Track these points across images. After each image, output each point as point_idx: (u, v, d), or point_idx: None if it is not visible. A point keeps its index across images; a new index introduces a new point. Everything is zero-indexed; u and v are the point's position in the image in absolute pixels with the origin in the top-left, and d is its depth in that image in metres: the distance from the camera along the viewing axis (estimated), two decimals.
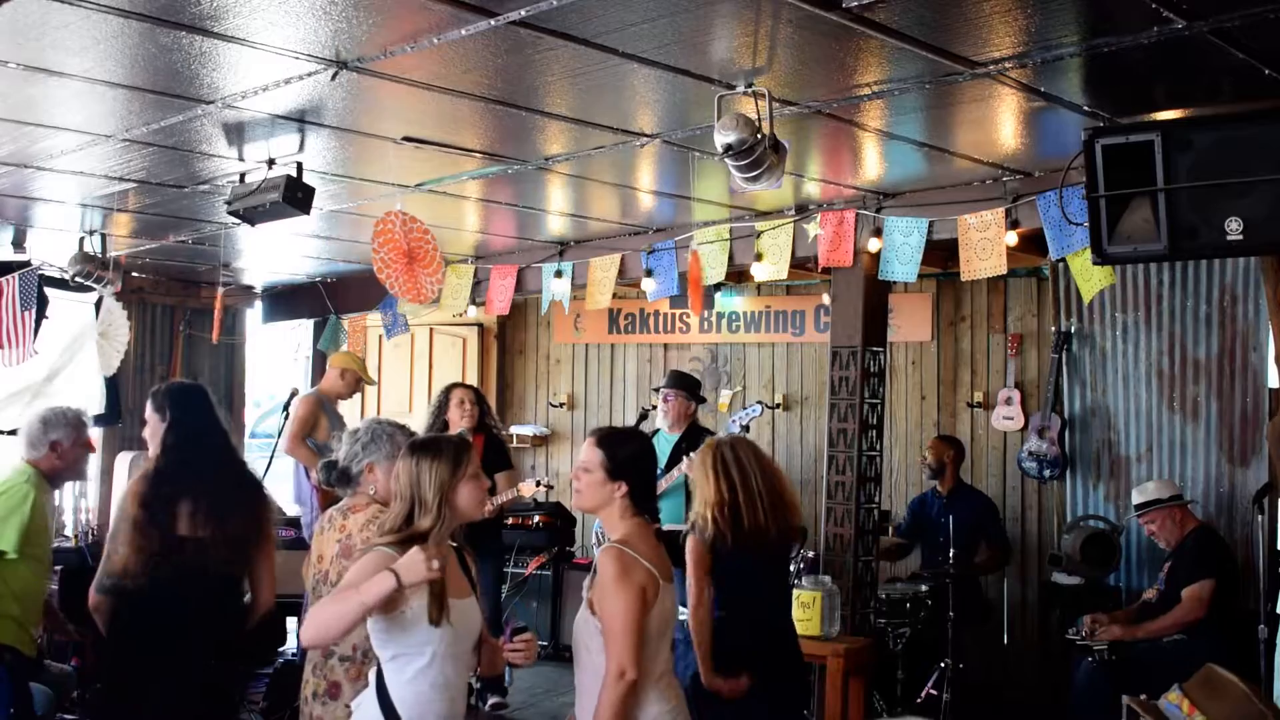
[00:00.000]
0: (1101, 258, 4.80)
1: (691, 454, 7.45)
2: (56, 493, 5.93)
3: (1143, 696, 3.50)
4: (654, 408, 7.89)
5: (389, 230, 5.91)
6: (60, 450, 5.49)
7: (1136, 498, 6.90)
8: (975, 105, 4.96)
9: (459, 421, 7.58)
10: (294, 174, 5.72)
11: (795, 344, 9.97)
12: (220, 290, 8.49)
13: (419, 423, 9.66)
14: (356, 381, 8.98)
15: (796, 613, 6.29)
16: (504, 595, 8.84)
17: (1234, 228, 4.35)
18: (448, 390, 7.82)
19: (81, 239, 7.97)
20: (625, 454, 3.90)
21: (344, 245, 8.68)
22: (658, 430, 7.99)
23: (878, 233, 6.77)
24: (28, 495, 5.31)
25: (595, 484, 3.88)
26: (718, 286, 9.36)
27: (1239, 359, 7.62)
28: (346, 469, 4.67)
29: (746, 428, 7.76)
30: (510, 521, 7.22)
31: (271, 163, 5.82)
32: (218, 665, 4.82)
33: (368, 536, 4.42)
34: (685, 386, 7.90)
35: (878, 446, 7.18)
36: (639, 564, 3.74)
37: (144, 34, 4.06)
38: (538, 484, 6.93)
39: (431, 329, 11.58)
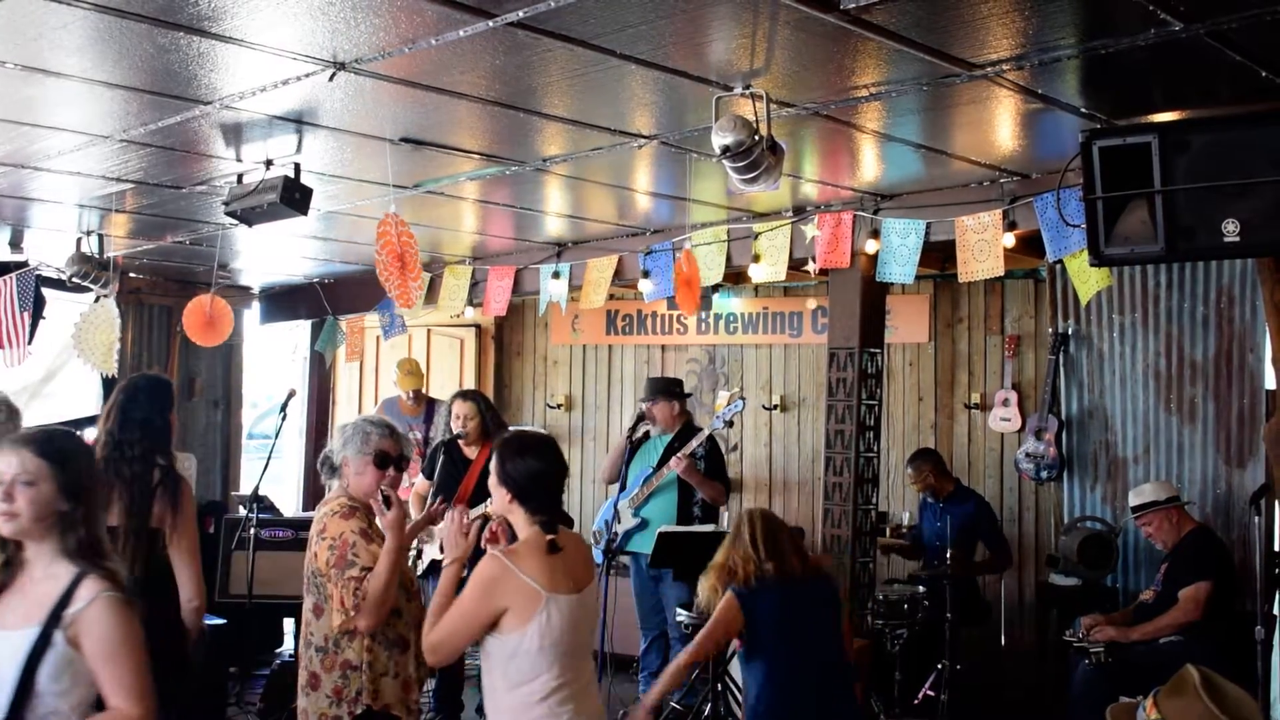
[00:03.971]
0: (1098, 259, 4.80)
1: (680, 452, 7.47)
2: None
3: (1123, 699, 3.51)
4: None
5: (387, 233, 5.91)
6: None
7: (1134, 499, 6.91)
8: (973, 107, 4.96)
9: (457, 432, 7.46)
10: (292, 175, 5.71)
11: (793, 345, 9.98)
12: (211, 292, 8.48)
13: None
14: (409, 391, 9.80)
15: None
16: None
17: (1231, 229, 4.35)
18: (450, 400, 7.75)
19: (79, 239, 7.97)
20: (512, 465, 3.95)
21: (341, 246, 8.68)
22: (661, 432, 7.97)
23: (875, 234, 6.78)
24: None
25: (494, 487, 4.01)
26: (715, 288, 9.37)
27: (1236, 360, 7.62)
28: (333, 462, 4.69)
29: (730, 423, 7.77)
30: None
31: (269, 163, 5.82)
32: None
33: (322, 528, 4.44)
34: (663, 391, 7.87)
35: (875, 448, 7.19)
36: (512, 578, 3.77)
37: (142, 34, 4.06)
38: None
39: (429, 330, 11.59)
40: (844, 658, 5.23)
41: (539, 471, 3.93)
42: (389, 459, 4.53)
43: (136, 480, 4.76)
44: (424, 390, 10.09)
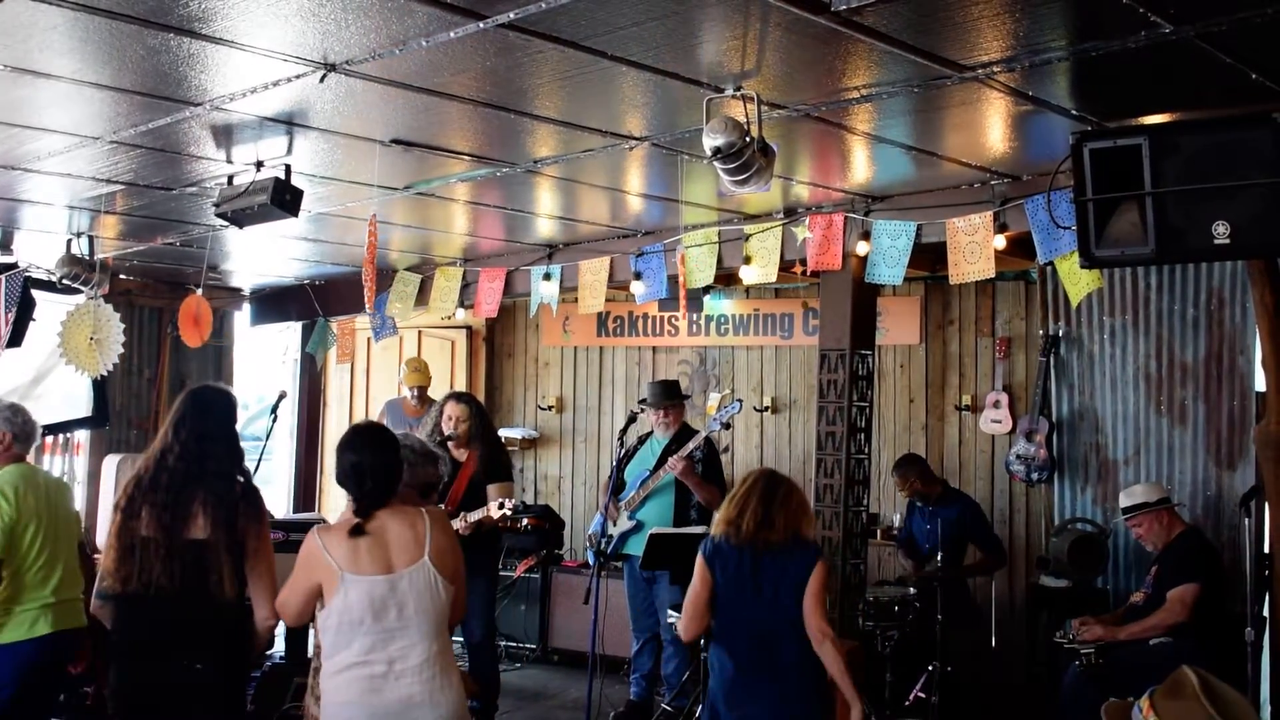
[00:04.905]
0: (1089, 261, 4.81)
1: (679, 453, 7.46)
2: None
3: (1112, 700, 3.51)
4: (642, 411, 7.85)
5: (370, 237, 6.02)
6: None
7: (1124, 501, 6.91)
8: (963, 109, 4.97)
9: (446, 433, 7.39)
10: (282, 176, 5.71)
11: (784, 347, 9.98)
12: (198, 293, 8.46)
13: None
14: (412, 388, 9.89)
15: None
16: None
17: (1221, 231, 4.36)
18: (440, 402, 7.70)
19: (69, 241, 7.95)
20: (338, 457, 4.24)
21: (332, 248, 8.67)
22: (652, 433, 7.94)
23: (866, 236, 6.78)
24: None
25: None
26: (706, 289, 9.37)
27: (1226, 362, 7.64)
28: None
29: (728, 424, 7.76)
30: (499, 525, 7.14)
31: (260, 165, 5.81)
32: (204, 669, 4.66)
33: None
34: (674, 395, 7.88)
35: (866, 449, 7.19)
36: (319, 554, 4.06)
37: (132, 36, 4.05)
38: (501, 506, 6.82)
39: (420, 331, 11.57)
40: (795, 633, 4.95)
41: (354, 463, 4.18)
42: (432, 487, 4.56)
43: (225, 495, 4.61)
44: (429, 389, 10.03)
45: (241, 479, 4.73)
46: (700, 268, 7.45)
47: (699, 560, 5.04)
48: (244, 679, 4.87)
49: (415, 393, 9.81)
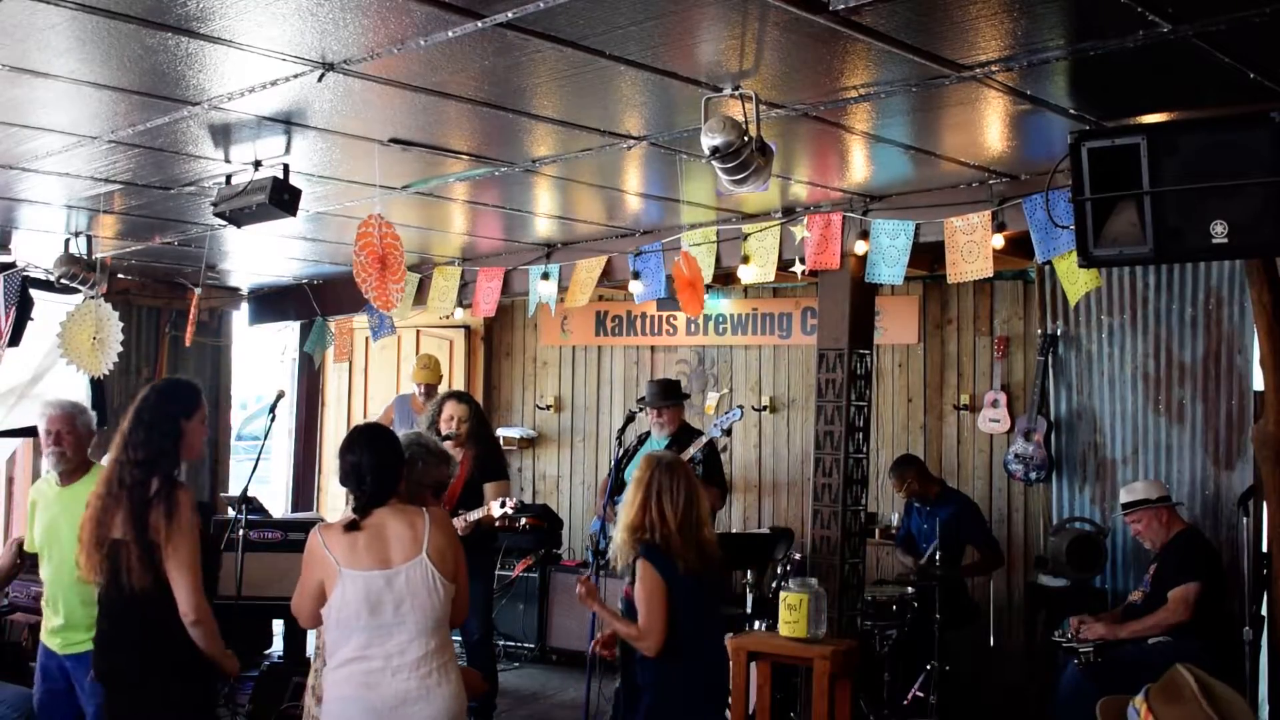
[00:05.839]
0: (1087, 260, 4.81)
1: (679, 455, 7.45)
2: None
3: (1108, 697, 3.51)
4: (640, 410, 7.85)
5: (369, 234, 5.91)
6: None
7: (1125, 497, 6.91)
8: (962, 108, 4.96)
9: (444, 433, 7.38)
10: (280, 176, 5.70)
11: (782, 346, 9.99)
12: (196, 292, 8.45)
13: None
14: (420, 385, 9.86)
15: (784, 615, 6.28)
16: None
17: (1219, 231, 4.37)
18: (440, 401, 7.69)
19: (67, 240, 7.94)
20: (339, 458, 4.33)
21: (330, 247, 8.67)
22: (650, 433, 7.94)
23: (864, 235, 6.78)
24: None
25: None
26: (705, 289, 9.36)
27: (1224, 362, 7.64)
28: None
29: (728, 431, 7.75)
30: (498, 524, 7.14)
31: (258, 164, 5.81)
32: (125, 662, 4.64)
33: None
34: (674, 396, 7.87)
35: (864, 449, 7.18)
36: (320, 551, 4.13)
37: (130, 35, 4.05)
38: (503, 505, 6.80)
39: (418, 331, 11.58)
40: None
41: (354, 464, 4.26)
42: (444, 487, 4.58)
43: (137, 488, 4.56)
44: (438, 388, 10.01)
45: (162, 472, 4.64)
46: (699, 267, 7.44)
47: (646, 564, 4.88)
48: (183, 679, 4.64)
49: (423, 390, 9.77)
